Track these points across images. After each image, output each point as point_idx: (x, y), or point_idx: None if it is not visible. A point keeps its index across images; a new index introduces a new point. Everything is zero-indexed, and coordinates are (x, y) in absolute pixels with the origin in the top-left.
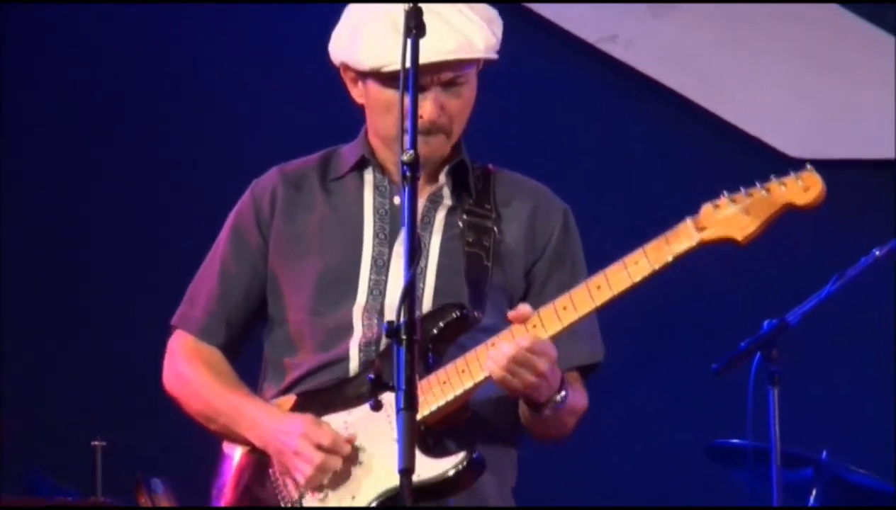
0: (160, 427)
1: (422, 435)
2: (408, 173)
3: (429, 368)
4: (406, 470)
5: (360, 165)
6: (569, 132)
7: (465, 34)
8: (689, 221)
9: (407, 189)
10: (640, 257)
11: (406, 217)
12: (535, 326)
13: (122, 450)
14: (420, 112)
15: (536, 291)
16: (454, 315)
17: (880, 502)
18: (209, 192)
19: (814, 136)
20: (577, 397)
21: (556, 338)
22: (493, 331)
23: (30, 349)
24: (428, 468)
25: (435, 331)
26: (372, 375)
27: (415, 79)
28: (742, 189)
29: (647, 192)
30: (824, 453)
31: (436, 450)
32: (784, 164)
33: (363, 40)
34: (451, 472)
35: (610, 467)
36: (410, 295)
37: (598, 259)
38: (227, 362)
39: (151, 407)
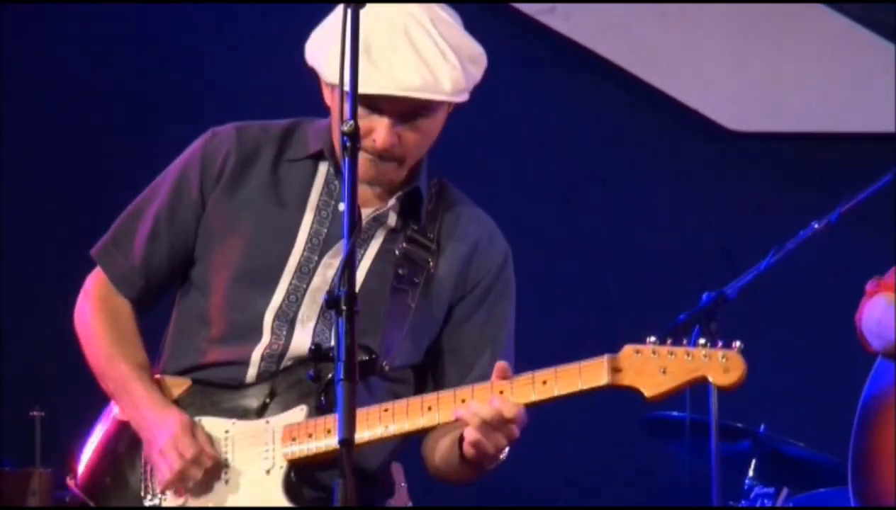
0: (99, 397)
1: (287, 477)
2: (348, 144)
3: (320, 407)
4: (346, 441)
5: (318, 156)
6: (507, 103)
7: (433, 72)
8: (605, 360)
9: (346, 160)
10: (549, 377)
11: (346, 189)
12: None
13: (61, 420)
14: (373, 135)
15: (453, 326)
16: (363, 359)
17: (817, 474)
18: None
19: (749, 108)
20: None
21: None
22: (401, 380)
23: None
24: None
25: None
26: (313, 346)
27: (354, 54)
28: (669, 341)
29: (584, 164)
30: (762, 426)
31: (296, 495)
32: (719, 136)
33: (331, 54)
34: None
35: (546, 439)
36: (350, 266)
37: (531, 228)
38: (135, 319)
39: (91, 377)
